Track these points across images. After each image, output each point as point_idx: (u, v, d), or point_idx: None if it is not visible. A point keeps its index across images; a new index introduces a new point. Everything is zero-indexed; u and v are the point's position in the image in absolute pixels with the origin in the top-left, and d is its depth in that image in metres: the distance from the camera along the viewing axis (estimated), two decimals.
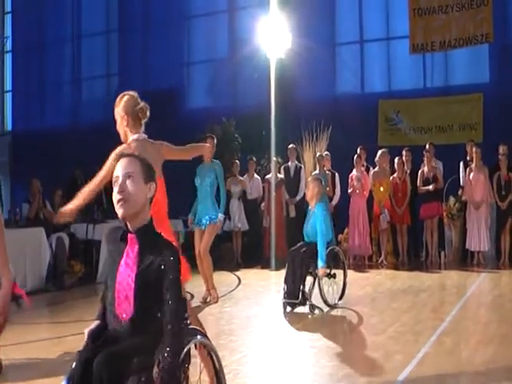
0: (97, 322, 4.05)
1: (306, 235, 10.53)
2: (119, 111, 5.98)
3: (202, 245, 11.15)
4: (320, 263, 10.00)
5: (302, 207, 15.78)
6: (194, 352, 4.10)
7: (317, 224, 10.23)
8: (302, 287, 10.11)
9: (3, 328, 4.54)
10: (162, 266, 3.77)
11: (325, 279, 10.29)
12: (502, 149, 15.73)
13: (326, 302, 10.29)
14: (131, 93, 6.09)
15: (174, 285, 3.76)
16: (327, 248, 10.24)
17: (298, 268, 10.14)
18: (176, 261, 3.81)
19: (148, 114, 6.08)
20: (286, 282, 10.24)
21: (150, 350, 3.68)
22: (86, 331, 3.97)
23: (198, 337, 4.14)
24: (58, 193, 14.78)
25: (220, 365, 4.32)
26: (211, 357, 4.30)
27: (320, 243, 10.09)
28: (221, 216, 11.19)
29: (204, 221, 11.12)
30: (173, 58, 22.75)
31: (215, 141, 11.55)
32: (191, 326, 4.19)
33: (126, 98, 6.01)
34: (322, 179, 11.35)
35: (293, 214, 16.66)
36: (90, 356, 3.67)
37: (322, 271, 10.02)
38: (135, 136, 5.93)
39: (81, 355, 3.77)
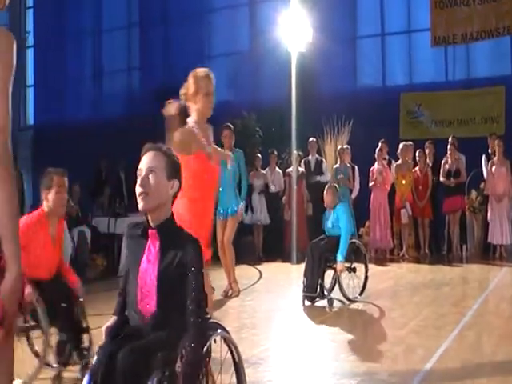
0: (114, 318, 4.06)
1: (327, 230, 10.54)
2: (190, 87, 6.28)
3: (226, 236, 11.20)
4: (339, 258, 10.00)
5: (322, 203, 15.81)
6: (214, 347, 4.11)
7: (340, 222, 10.24)
8: (320, 281, 10.12)
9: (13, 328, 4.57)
10: (185, 261, 3.77)
11: (345, 273, 10.29)
12: None
13: (345, 296, 10.27)
14: (201, 69, 6.45)
15: (196, 279, 3.76)
16: (334, 239, 10.27)
17: (317, 261, 10.14)
18: (198, 255, 3.81)
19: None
20: (305, 275, 10.25)
21: (173, 344, 3.69)
22: (104, 328, 3.98)
23: (219, 330, 4.14)
24: (75, 188, 14.88)
25: (240, 359, 4.32)
26: (231, 351, 4.30)
27: (343, 240, 10.09)
28: (241, 205, 11.26)
29: (227, 212, 11.16)
30: (194, 51, 22.72)
31: (232, 130, 11.65)
32: (212, 320, 4.20)
33: (194, 74, 6.36)
34: (336, 186, 11.34)
35: (310, 211, 16.62)
36: (113, 351, 3.66)
37: (340, 266, 10.01)
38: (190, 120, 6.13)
39: (103, 350, 3.77)
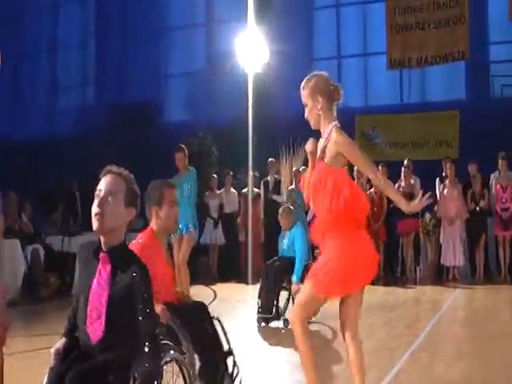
0: (63, 339, 4.01)
1: (281, 251, 10.56)
2: (309, 93, 5.28)
3: (181, 255, 11.16)
4: (294, 279, 10.00)
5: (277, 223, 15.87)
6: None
7: (296, 245, 10.28)
8: (275, 302, 10.13)
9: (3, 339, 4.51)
10: (134, 287, 3.73)
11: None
12: (470, 168, 15.88)
13: None
14: (320, 72, 5.43)
15: (145, 302, 3.73)
16: (290, 261, 10.29)
17: (272, 282, 10.16)
18: (146, 278, 3.78)
19: (341, 95, 5.36)
20: (259, 296, 10.26)
21: (124, 366, 3.65)
22: (53, 349, 3.93)
23: (171, 352, 4.11)
24: (27, 205, 14.75)
25: (191, 381, 4.29)
26: (182, 372, 4.27)
27: (298, 261, 10.11)
28: (191, 227, 11.27)
29: (182, 229, 11.13)
30: (150, 69, 22.73)
31: (186, 151, 11.61)
32: (164, 342, 4.16)
33: (315, 78, 5.33)
34: (291, 207, 11.40)
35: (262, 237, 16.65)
36: (62, 373, 3.62)
37: (295, 288, 10.01)
38: (335, 122, 5.32)
39: (53, 372, 3.73)
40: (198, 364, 5.11)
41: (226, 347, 5.56)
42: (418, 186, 16.26)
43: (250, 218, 16.04)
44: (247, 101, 16.27)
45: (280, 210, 10.91)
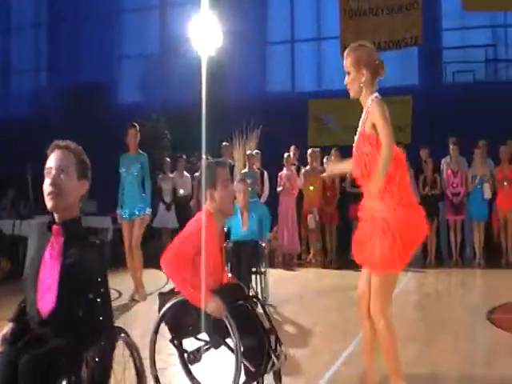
0: (10, 325, 3.94)
1: (240, 234, 10.51)
2: (354, 63, 5.23)
3: (134, 239, 11.07)
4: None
5: None
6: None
7: (264, 217, 10.43)
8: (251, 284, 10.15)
9: None
10: (89, 266, 3.69)
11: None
12: (422, 153, 16.01)
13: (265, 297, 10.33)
14: (367, 43, 5.44)
15: (100, 281, 3.70)
16: (256, 244, 10.30)
17: (246, 266, 10.11)
18: (101, 257, 3.74)
19: (385, 71, 5.36)
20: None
21: (77, 349, 3.59)
22: (0, 336, 3.87)
23: (122, 335, 4.08)
24: None
25: (141, 363, 4.26)
26: (133, 355, 4.24)
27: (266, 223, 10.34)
28: (148, 210, 11.17)
29: (133, 213, 11.03)
30: (104, 52, 22.49)
31: (138, 129, 11.49)
32: (116, 325, 4.13)
33: (362, 48, 5.30)
34: (252, 179, 11.45)
35: None
36: (13, 358, 3.55)
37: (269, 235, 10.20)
38: (376, 94, 5.28)
39: (2, 358, 3.64)
40: (241, 344, 4.97)
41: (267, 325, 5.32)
42: None
43: (203, 202, 16.00)
44: (201, 84, 16.19)
45: (236, 184, 10.94)
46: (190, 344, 5.44)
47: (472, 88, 19.11)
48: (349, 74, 5.25)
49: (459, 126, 16.80)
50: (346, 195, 16.26)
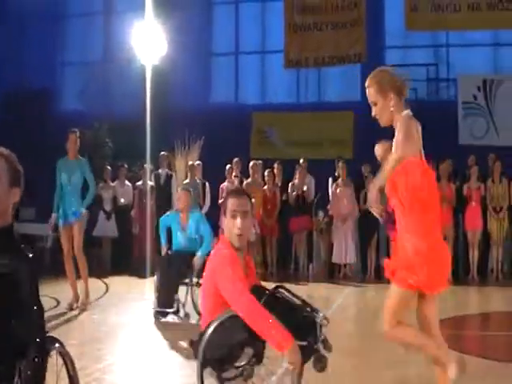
0: None
1: (179, 245, 10.47)
2: (378, 90, 5.04)
3: (76, 245, 10.90)
4: (200, 253, 10.03)
5: None
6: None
7: (203, 228, 10.32)
8: (176, 296, 10.03)
9: None
10: (17, 274, 3.56)
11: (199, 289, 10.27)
12: (364, 169, 16.12)
13: (198, 311, 10.22)
14: (386, 68, 5.30)
15: (32, 295, 3.59)
16: (192, 255, 10.24)
17: (174, 276, 10.04)
18: (33, 271, 3.63)
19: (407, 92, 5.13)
20: (157, 290, 10.12)
21: (9, 360, 3.49)
22: None
23: (56, 345, 3.98)
24: None
25: (75, 373, 4.15)
26: (66, 365, 4.13)
27: (208, 242, 10.19)
28: (84, 211, 11.05)
29: (71, 217, 10.87)
30: (46, 57, 22.20)
31: (78, 134, 11.33)
32: (48, 334, 4.02)
33: (382, 73, 5.11)
34: (191, 189, 11.40)
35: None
36: None
37: (197, 260, 10.00)
38: (407, 111, 5.05)
39: None
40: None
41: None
42: (312, 185, 16.46)
43: (148, 211, 15.94)
44: (145, 93, 16.11)
45: (179, 191, 10.91)
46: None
47: (414, 106, 19.16)
48: (375, 104, 5.08)
49: None
50: (287, 208, 16.29)
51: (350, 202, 15.80)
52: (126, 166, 17.24)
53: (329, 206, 16.12)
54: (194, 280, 10.16)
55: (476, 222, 15.22)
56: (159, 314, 10.05)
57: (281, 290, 5.26)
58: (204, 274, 5.10)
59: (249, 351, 4.86)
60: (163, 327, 9.61)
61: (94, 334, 8.99)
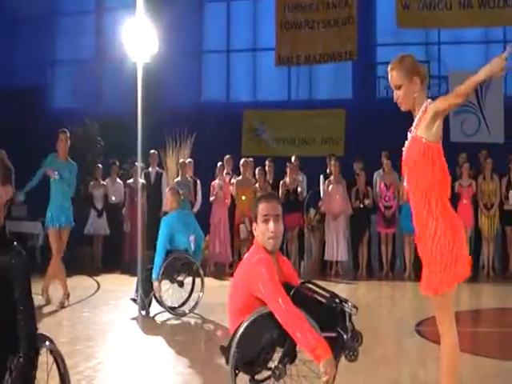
0: None
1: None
2: (403, 74, 4.96)
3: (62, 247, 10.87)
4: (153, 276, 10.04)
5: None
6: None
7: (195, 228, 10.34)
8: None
9: None
10: (11, 273, 3.57)
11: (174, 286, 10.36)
12: (355, 166, 16.16)
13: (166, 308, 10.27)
14: (408, 54, 5.16)
15: (24, 291, 3.59)
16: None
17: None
18: (25, 267, 3.62)
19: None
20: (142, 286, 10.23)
21: (0, 358, 3.51)
22: None
23: (47, 343, 3.98)
24: None
25: (66, 370, 4.15)
26: (57, 362, 4.13)
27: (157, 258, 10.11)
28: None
29: (62, 221, 10.84)
30: (37, 55, 22.12)
31: (67, 135, 11.32)
32: (39, 332, 4.02)
33: (407, 58, 5.04)
34: (179, 189, 11.42)
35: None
36: None
37: (155, 284, 9.99)
38: (430, 100, 4.95)
39: None
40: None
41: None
42: (304, 182, 16.48)
43: (139, 209, 15.91)
44: (136, 91, 16.07)
45: (167, 190, 10.92)
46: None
47: None
48: (399, 88, 5.01)
49: (392, 139, 16.91)
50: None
51: (342, 199, 15.81)
52: (117, 163, 17.22)
53: (320, 204, 16.14)
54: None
55: (467, 220, 15.24)
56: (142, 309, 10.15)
57: (308, 284, 5.28)
58: (234, 277, 5.13)
59: (280, 350, 4.89)
60: (149, 324, 9.63)
61: (84, 332, 8.99)
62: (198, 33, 22.31)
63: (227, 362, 4.90)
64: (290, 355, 4.93)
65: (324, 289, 5.20)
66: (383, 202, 15.73)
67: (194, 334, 9.39)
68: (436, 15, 19.59)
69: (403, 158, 5.12)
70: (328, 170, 16.44)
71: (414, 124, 5.02)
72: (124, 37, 16.75)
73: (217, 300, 11.54)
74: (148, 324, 9.65)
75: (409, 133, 5.12)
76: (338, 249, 15.68)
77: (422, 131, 4.89)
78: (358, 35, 19.99)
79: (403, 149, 5.16)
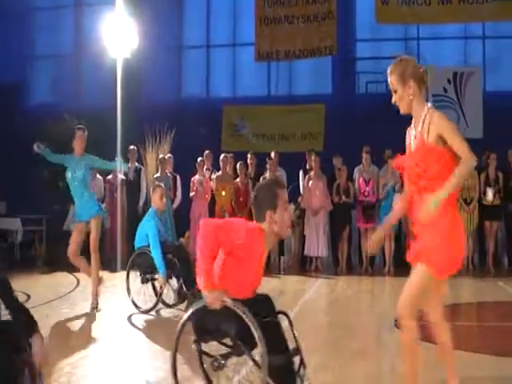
0: None
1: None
2: (399, 77, 5.04)
3: (93, 242, 10.73)
4: (162, 273, 9.99)
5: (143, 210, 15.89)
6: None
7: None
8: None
9: None
10: None
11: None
12: (335, 161, 16.18)
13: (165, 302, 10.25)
14: (408, 56, 5.27)
15: (4, 286, 3.61)
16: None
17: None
18: (4, 263, 3.65)
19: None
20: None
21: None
22: None
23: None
24: None
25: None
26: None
27: (156, 255, 10.09)
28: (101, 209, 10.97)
29: (87, 214, 10.71)
30: (16, 50, 21.99)
31: (86, 133, 11.16)
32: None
33: (405, 62, 5.11)
34: (164, 184, 11.40)
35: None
36: None
37: (161, 281, 9.98)
38: (430, 104, 5.09)
39: None
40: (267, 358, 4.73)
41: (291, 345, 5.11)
42: (284, 177, 16.47)
43: (119, 205, 15.90)
44: (116, 86, 16.05)
45: (153, 188, 10.90)
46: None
47: (384, 98, 19.24)
48: (395, 92, 5.10)
49: (372, 135, 17.04)
50: None
51: (322, 194, 15.84)
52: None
53: (300, 199, 16.15)
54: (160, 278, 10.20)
55: None
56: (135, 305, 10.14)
57: (283, 316, 5.28)
58: None
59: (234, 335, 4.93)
60: (130, 321, 9.60)
61: (64, 329, 8.96)
62: (178, 28, 22.29)
63: (186, 310, 5.19)
64: (236, 354, 5.02)
65: (293, 333, 5.17)
66: (362, 197, 15.76)
67: (174, 329, 9.36)
68: (415, 11, 19.69)
69: (408, 157, 5.16)
70: (307, 166, 16.45)
71: (419, 128, 5.07)
72: (103, 32, 16.75)
73: None
74: (131, 320, 9.62)
75: (410, 131, 5.20)
76: (318, 244, 15.71)
77: (433, 139, 4.97)
78: (337, 30, 20.08)
79: (407, 144, 5.23)
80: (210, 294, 4.80)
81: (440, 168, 4.94)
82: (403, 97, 5.06)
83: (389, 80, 5.14)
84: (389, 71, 5.13)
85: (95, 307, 10.35)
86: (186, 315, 5.10)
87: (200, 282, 4.82)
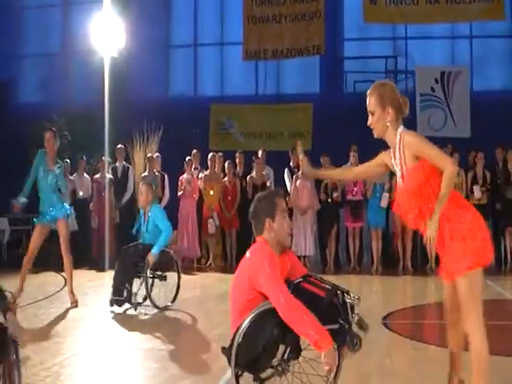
0: None
1: (143, 238, 10.50)
2: (378, 101, 5.01)
3: (63, 243, 10.71)
4: (154, 250, 10.04)
5: (130, 209, 15.89)
6: None
7: (159, 222, 10.28)
8: (128, 286, 10.04)
9: None
10: None
11: (155, 281, 10.33)
12: (323, 160, 16.18)
13: (153, 304, 10.20)
14: (389, 82, 5.27)
15: None
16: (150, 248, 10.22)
17: (127, 266, 10.09)
18: None
19: (407, 110, 5.10)
20: (114, 279, 10.15)
21: None
22: None
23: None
24: None
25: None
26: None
27: (164, 237, 10.23)
28: (68, 210, 10.89)
29: (51, 215, 10.66)
30: (4, 49, 21.91)
31: (55, 133, 11.06)
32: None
33: (385, 86, 5.11)
34: (152, 183, 11.42)
35: (117, 219, 16.50)
36: None
37: (151, 257, 10.00)
38: (401, 128, 5.03)
39: None
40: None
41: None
42: (271, 176, 16.48)
43: (107, 204, 15.89)
44: (104, 85, 16.02)
45: (140, 186, 10.91)
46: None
47: None
48: (373, 114, 5.06)
49: (359, 134, 17.00)
50: (248, 200, 16.28)
51: (310, 193, 15.83)
52: (84, 158, 17.10)
53: (287, 198, 16.14)
54: (149, 273, 10.19)
55: None
56: (114, 303, 10.06)
57: (309, 278, 5.28)
58: (236, 275, 5.22)
59: (283, 346, 4.93)
60: (119, 319, 9.60)
61: (52, 328, 8.94)
62: (166, 27, 22.29)
63: (229, 363, 4.93)
64: (294, 351, 4.99)
65: (324, 281, 5.22)
66: (350, 197, 15.77)
67: (162, 329, 9.38)
68: (403, 10, 19.73)
69: (405, 193, 5.11)
70: (293, 164, 16.40)
71: (398, 156, 5.06)
72: (91, 31, 16.73)
73: (184, 295, 11.57)
74: (119, 319, 9.62)
75: (391, 161, 5.18)
76: (305, 243, 15.69)
77: (411, 161, 4.99)
78: (325, 30, 20.11)
79: (400, 187, 5.19)
80: (331, 352, 4.68)
81: (427, 180, 4.94)
82: (379, 121, 5.05)
83: (367, 101, 5.10)
84: (369, 92, 5.10)
85: (75, 305, 10.48)
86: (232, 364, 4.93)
87: (319, 341, 4.65)
